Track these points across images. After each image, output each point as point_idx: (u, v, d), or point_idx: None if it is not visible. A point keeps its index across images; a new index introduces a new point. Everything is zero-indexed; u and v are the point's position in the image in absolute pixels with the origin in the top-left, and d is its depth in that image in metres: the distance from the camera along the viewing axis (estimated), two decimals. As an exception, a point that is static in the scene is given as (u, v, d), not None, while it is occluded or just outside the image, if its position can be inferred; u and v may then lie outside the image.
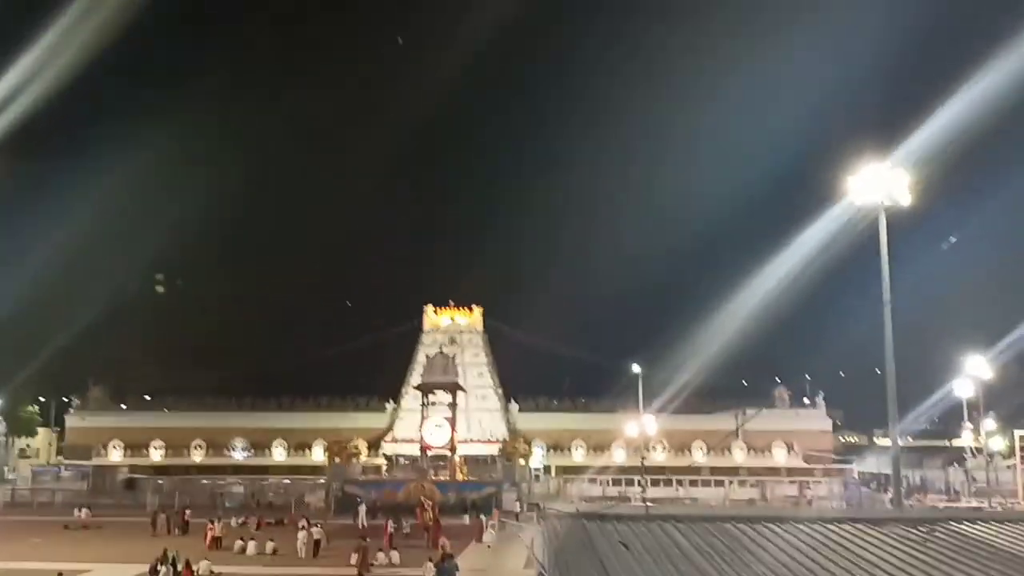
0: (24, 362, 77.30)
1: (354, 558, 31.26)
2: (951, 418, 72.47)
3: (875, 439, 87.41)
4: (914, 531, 9.63)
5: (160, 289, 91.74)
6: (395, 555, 33.63)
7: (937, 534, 9.57)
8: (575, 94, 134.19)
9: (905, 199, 28.73)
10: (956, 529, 9.96)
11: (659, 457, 73.66)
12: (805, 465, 74.15)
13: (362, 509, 47.94)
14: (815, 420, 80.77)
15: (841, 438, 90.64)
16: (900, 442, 31.94)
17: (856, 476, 72.54)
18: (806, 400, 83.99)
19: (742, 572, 7.84)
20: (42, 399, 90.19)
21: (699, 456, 75.66)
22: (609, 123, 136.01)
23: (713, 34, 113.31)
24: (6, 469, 76.96)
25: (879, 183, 28.79)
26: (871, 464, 74.56)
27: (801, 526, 9.83)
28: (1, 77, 28.60)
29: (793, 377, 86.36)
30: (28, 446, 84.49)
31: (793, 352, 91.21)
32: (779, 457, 76.32)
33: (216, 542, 35.94)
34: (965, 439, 68.29)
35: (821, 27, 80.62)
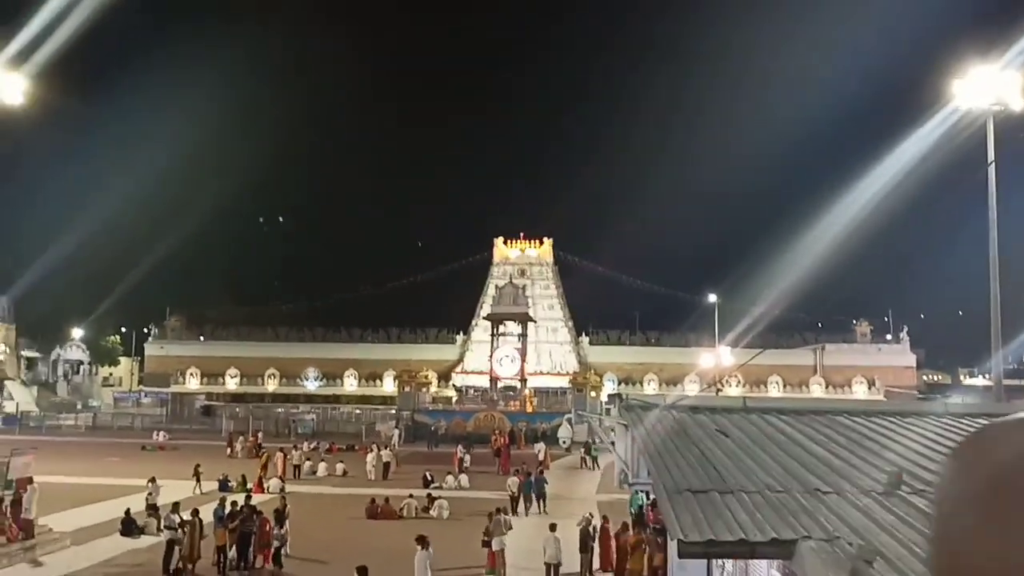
0: (107, 293, 79.19)
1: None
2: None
3: (961, 378, 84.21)
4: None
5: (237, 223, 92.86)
6: (464, 479, 33.80)
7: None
8: (654, 16, 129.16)
9: (1017, 103, 26.40)
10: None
11: (734, 392, 71.87)
12: (887, 402, 71.71)
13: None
14: (898, 356, 77.78)
15: (924, 377, 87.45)
16: (987, 381, 29.90)
17: (942, 414, 69.89)
18: (888, 336, 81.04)
19: (866, 457, 6.62)
20: (123, 329, 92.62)
21: (775, 391, 73.70)
22: (683, 41, 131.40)
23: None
24: (90, 397, 79.35)
25: (987, 86, 26.44)
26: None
27: (927, 419, 8.52)
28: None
29: (874, 313, 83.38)
30: (111, 375, 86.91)
31: (875, 287, 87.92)
32: (859, 394, 73.88)
33: (295, 470, 35.55)
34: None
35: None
